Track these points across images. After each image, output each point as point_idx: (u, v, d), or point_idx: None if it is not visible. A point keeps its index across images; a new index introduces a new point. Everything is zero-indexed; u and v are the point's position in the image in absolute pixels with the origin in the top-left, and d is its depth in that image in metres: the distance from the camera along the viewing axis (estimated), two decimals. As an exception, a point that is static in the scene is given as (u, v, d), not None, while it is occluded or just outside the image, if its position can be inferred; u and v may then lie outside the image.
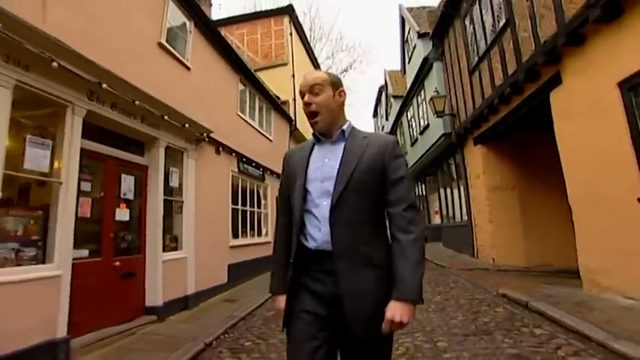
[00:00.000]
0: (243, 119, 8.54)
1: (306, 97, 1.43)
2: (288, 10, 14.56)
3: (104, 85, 4.02)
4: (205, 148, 6.62)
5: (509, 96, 6.87)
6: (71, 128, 3.79)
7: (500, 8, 6.95)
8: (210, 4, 11.67)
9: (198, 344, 3.92)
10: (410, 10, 13.90)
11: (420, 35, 12.07)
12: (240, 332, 4.47)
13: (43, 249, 3.51)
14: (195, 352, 3.73)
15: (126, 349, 3.93)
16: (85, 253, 4.10)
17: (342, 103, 1.53)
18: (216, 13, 13.72)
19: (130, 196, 4.88)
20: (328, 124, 1.46)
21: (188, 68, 6.15)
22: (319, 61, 23.78)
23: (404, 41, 15.01)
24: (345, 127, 1.49)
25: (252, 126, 9.21)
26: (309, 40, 19.06)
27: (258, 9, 22.64)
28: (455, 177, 11.25)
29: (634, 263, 4.22)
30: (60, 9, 3.65)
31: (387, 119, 21.59)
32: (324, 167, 1.44)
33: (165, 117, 5.13)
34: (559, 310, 4.17)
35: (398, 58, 16.23)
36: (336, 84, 1.49)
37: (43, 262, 3.49)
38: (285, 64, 13.84)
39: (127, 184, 4.84)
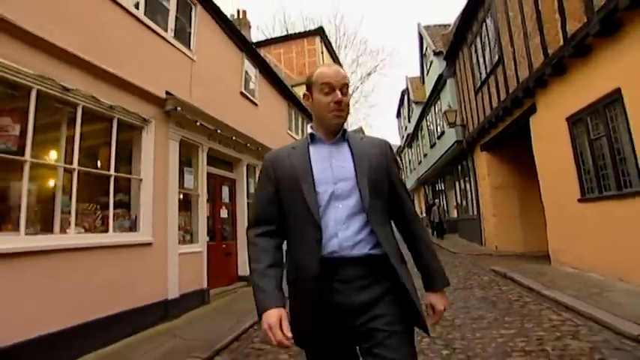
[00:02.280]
0: (290, 135, 10.75)
1: (340, 95, 1.34)
2: (319, 32, 16.69)
3: (218, 131, 6.27)
4: (267, 162, 8.88)
5: (502, 116, 8.71)
6: (202, 160, 6.09)
7: (494, 47, 8.77)
8: (250, 27, 13.97)
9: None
10: (427, 28, 15.67)
11: (436, 53, 13.87)
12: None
13: (192, 235, 5.82)
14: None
15: (235, 299, 6.21)
16: (207, 239, 6.40)
17: None
18: (254, 35, 15.73)
19: (227, 200, 7.17)
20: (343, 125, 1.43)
21: (256, 105, 8.39)
22: (345, 65, 25.84)
23: (422, 55, 16.80)
24: (345, 128, 1.45)
25: (296, 139, 11.45)
26: (334, 46, 21.18)
27: (289, 26, 24.96)
28: (467, 177, 13.07)
29: (575, 245, 6.13)
30: (198, 88, 5.93)
31: (409, 121, 23.37)
32: (334, 168, 1.35)
33: (248, 144, 7.38)
34: (524, 276, 6.12)
35: (418, 64, 17.91)
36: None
37: (191, 242, 5.80)
38: (317, 80, 15.93)
39: (225, 192, 7.14)
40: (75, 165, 3.80)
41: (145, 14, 4.96)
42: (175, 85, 5.35)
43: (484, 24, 9.32)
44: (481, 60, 9.87)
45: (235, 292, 6.68)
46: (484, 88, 9.77)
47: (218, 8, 6.65)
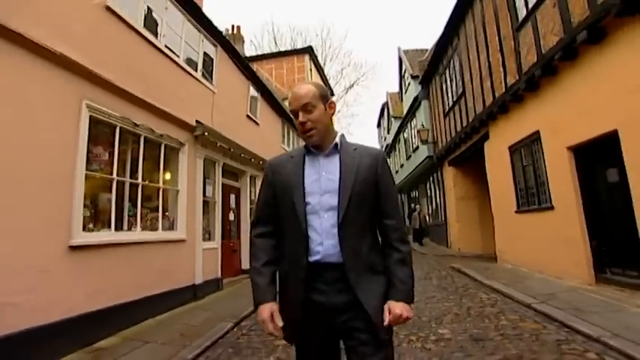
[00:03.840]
0: (283, 148, 12.18)
1: (301, 117, 1.42)
2: (308, 50, 18.18)
3: (231, 149, 7.66)
4: (265, 172, 10.28)
5: (464, 139, 10.43)
6: (218, 173, 7.45)
7: (459, 81, 10.47)
8: (243, 42, 15.29)
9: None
10: (406, 52, 17.44)
11: (413, 77, 15.60)
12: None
13: (210, 234, 7.18)
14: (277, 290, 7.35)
15: (241, 287, 7.58)
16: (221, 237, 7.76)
17: (332, 115, 1.53)
18: (248, 49, 17.08)
19: (234, 205, 8.54)
20: (322, 138, 1.46)
21: (258, 124, 9.80)
22: (330, 76, 27.52)
23: (401, 76, 18.57)
24: (337, 140, 1.50)
25: (287, 150, 12.90)
26: (320, 58, 22.85)
27: (278, 38, 26.37)
28: (437, 187, 14.81)
29: (513, 247, 7.83)
30: (217, 115, 7.30)
31: (388, 132, 25.18)
32: (322, 180, 1.44)
33: (252, 159, 8.78)
34: (473, 271, 7.74)
35: (397, 80, 19.65)
36: (325, 96, 1.48)
37: (210, 240, 7.15)
38: (306, 95, 17.43)
39: (232, 199, 8.50)
40: (139, 180, 5.14)
41: (183, 60, 6.32)
42: (202, 114, 6.72)
43: (452, 60, 11.04)
44: (449, 89, 11.60)
45: (240, 282, 8.05)
46: (451, 113, 11.49)
47: (233, 47, 8.06)
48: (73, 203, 3.94)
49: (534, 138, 6.69)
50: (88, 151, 4.25)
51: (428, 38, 57.88)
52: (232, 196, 8.50)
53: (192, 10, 6.59)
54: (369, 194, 1.44)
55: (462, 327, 4.12)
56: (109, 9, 4.59)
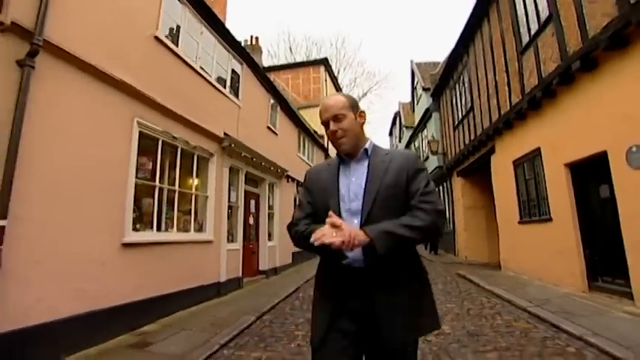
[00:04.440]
0: (300, 157, 12.82)
1: (332, 126, 1.47)
2: (324, 62, 18.88)
3: (253, 159, 8.31)
4: (282, 180, 10.91)
5: (472, 151, 10.90)
6: (241, 181, 8.10)
7: (468, 96, 10.97)
8: (261, 52, 16.00)
9: (291, 287, 8.10)
10: (418, 65, 17.99)
11: (425, 89, 16.13)
12: (310, 284, 8.71)
13: (233, 236, 7.81)
14: (292, 290, 7.90)
15: (259, 286, 8.18)
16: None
17: (363, 124, 1.58)
18: (265, 58, 17.83)
19: (253, 210, 9.17)
20: (353, 146, 1.51)
21: (276, 134, 10.46)
22: (343, 84, 28.20)
23: (413, 87, 19.10)
24: (367, 146, 1.54)
25: (303, 160, 13.50)
26: (334, 67, 23.53)
27: (293, 47, 27.22)
28: (446, 197, 15.23)
29: (515, 255, 8.27)
30: (242, 127, 7.97)
31: (400, 141, 25.65)
32: (351, 186, 1.48)
33: (271, 167, 9.41)
34: (477, 278, 8.20)
35: (409, 90, 20.20)
36: (355, 106, 1.54)
37: (232, 242, 7.78)
38: (320, 105, 18.12)
39: (252, 204, 9.13)
40: (176, 186, 5.81)
41: (215, 79, 7.01)
42: (228, 127, 7.39)
43: (462, 76, 11.55)
44: (459, 103, 12.10)
45: (258, 281, 8.66)
46: (460, 126, 11.98)
47: (257, 64, 8.75)
48: (125, 206, 4.60)
49: (536, 154, 7.17)
50: (136, 161, 4.92)
51: (440, 50, 58.53)
52: (252, 202, 9.14)
53: (222, 33, 7.29)
54: (399, 197, 1.43)
55: (461, 324, 4.63)
56: (157, 38, 5.29)
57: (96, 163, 4.21)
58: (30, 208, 3.39)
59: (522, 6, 7.15)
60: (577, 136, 5.73)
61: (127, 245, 4.58)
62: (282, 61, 28.44)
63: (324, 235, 1.25)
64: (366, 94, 31.62)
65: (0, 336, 3.03)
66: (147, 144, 5.26)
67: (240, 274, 7.74)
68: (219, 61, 7.37)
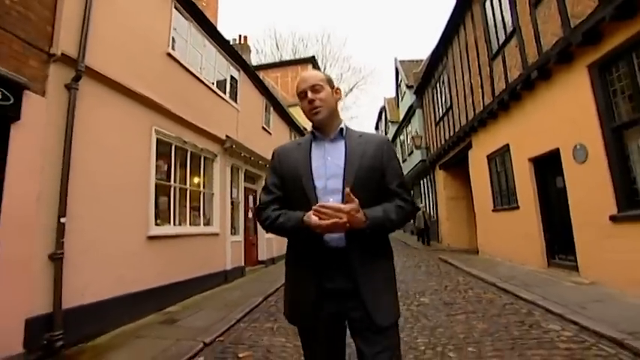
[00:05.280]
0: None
1: (310, 95, 1.48)
2: (311, 60, 19.52)
3: (251, 158, 9.02)
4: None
5: (452, 146, 11.81)
6: (241, 178, 8.82)
7: (448, 94, 11.84)
8: (250, 51, 16.58)
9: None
10: (402, 62, 18.81)
11: (408, 86, 16.98)
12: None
13: (235, 229, 8.55)
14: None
15: (260, 275, 8.95)
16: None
17: (338, 101, 1.60)
18: (253, 56, 18.31)
19: (252, 205, 9.91)
20: (327, 117, 1.51)
21: (270, 134, 11.17)
22: (330, 82, 28.78)
23: (397, 84, 19.95)
24: (342, 126, 1.55)
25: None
26: (320, 63, 24.24)
27: (280, 43, 27.69)
28: (430, 188, 16.20)
29: (490, 240, 9.23)
30: (241, 129, 8.67)
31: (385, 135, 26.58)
32: (328, 165, 1.48)
33: (266, 165, 10.12)
34: (457, 261, 9.13)
35: (394, 86, 21.06)
36: (331, 82, 1.57)
37: (235, 234, 8.52)
38: (309, 102, 18.80)
39: (251, 200, 9.86)
40: (187, 185, 6.51)
41: (216, 86, 7.69)
42: (229, 129, 8.08)
43: (442, 76, 12.42)
44: (440, 101, 12.98)
45: (259, 270, 9.43)
46: (441, 122, 12.87)
47: (253, 71, 9.44)
48: (148, 204, 5.31)
49: (505, 150, 8.07)
50: (155, 164, 5.61)
51: (423, 46, 59.50)
52: (251, 197, 9.86)
53: (221, 43, 7.94)
54: (375, 179, 1.47)
55: (438, 297, 5.51)
56: (169, 55, 5.95)
57: (124, 167, 4.90)
58: (79, 207, 4.07)
59: (492, 17, 8.00)
60: (537, 134, 6.62)
61: (152, 238, 5.29)
62: (269, 57, 29.00)
63: (331, 223, 1.28)
64: (352, 89, 32.41)
65: (66, 310, 3.74)
66: (162, 148, 5.94)
67: (243, 264, 8.50)
68: (220, 70, 8.04)
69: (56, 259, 3.70)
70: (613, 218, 4.75)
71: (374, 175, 1.47)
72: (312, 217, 1.32)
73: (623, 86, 4.61)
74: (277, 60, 25.81)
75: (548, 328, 3.78)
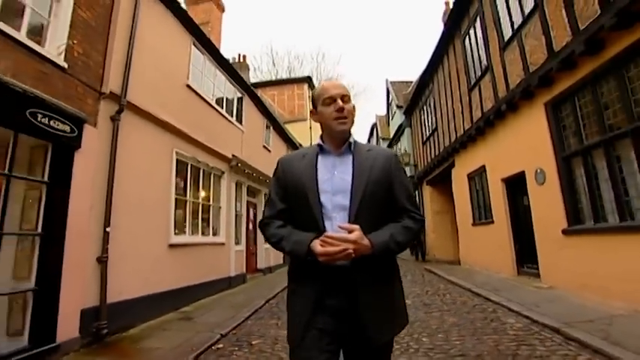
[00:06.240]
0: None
1: (340, 103, 1.44)
2: (307, 80, 20.57)
3: (254, 174, 9.86)
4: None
5: (438, 164, 12.79)
6: (244, 193, 9.63)
7: (434, 117, 12.87)
8: (248, 69, 17.52)
9: (285, 282, 9.66)
10: (393, 83, 19.96)
11: (398, 106, 18.06)
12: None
13: (238, 239, 9.33)
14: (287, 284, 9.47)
15: (260, 282, 9.69)
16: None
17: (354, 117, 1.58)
18: (252, 75, 19.28)
19: (252, 218, 10.70)
20: (348, 131, 1.50)
21: (270, 151, 12.04)
22: (324, 99, 29.90)
23: (388, 103, 21.07)
24: (351, 140, 1.52)
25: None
26: (314, 81, 25.38)
27: (276, 60, 28.84)
28: (418, 202, 17.08)
29: (470, 252, 10.14)
30: (245, 148, 9.52)
31: (377, 151, 27.58)
32: (335, 180, 1.43)
33: (266, 180, 10.97)
34: (440, 271, 9.98)
35: (385, 104, 22.19)
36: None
37: (238, 244, 9.28)
38: (304, 119, 19.79)
39: (251, 212, 10.66)
40: (200, 200, 7.32)
41: (225, 110, 8.58)
42: (235, 149, 8.94)
43: (428, 100, 13.48)
44: (427, 122, 14.01)
45: (258, 278, 10.18)
46: (428, 142, 13.88)
47: (256, 95, 10.35)
48: (169, 216, 6.10)
49: (482, 170, 9.05)
50: (175, 182, 6.42)
51: (413, 67, 61.54)
52: (252, 210, 10.67)
53: (230, 72, 8.86)
54: (383, 195, 1.43)
55: (420, 300, 6.35)
56: (188, 86, 6.83)
57: (150, 184, 5.71)
58: (117, 219, 4.86)
59: (470, 53, 9.06)
60: (507, 158, 7.60)
61: (172, 246, 6.07)
62: (265, 74, 30.04)
63: (336, 252, 1.25)
64: (345, 105, 33.36)
65: (110, 305, 4.51)
66: (180, 167, 6.76)
67: (245, 271, 9.25)
68: (227, 95, 8.93)
69: (102, 261, 4.48)
70: (564, 232, 5.68)
71: (382, 189, 1.43)
72: (317, 247, 1.29)
73: (571, 122, 5.60)
74: (274, 76, 26.92)
75: (506, 321, 4.64)
